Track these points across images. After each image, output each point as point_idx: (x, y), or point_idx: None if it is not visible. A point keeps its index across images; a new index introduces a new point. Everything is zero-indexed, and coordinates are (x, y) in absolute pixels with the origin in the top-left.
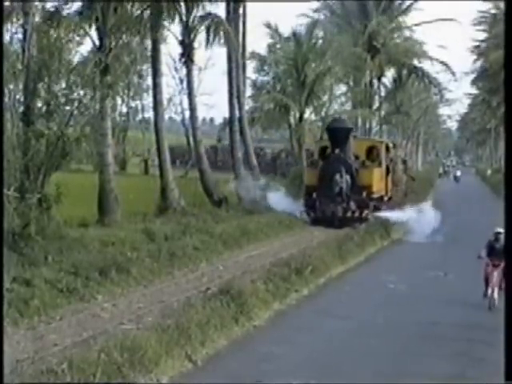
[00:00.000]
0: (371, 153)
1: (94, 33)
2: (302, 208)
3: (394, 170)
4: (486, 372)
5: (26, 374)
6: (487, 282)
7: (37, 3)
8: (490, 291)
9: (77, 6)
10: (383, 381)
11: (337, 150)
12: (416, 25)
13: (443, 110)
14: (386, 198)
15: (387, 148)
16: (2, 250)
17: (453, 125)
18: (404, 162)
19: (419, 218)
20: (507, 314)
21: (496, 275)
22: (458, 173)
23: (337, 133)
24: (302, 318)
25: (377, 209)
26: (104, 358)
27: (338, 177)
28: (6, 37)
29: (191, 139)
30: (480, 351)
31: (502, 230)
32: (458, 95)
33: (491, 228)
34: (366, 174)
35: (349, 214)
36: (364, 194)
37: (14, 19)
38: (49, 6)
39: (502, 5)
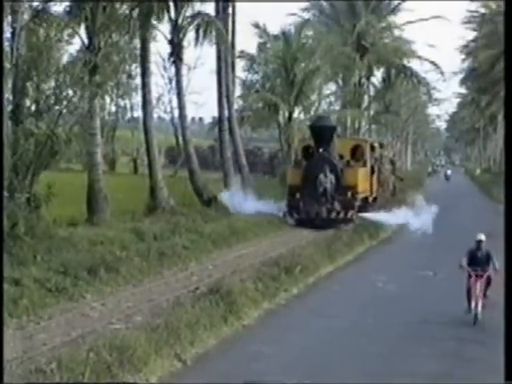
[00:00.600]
0: (356, 152)
1: (83, 32)
2: (284, 209)
3: (380, 170)
4: None
5: (14, 374)
6: (469, 294)
7: (25, 2)
8: (473, 304)
9: (66, 4)
10: (371, 379)
11: (321, 149)
12: (405, 24)
13: (432, 110)
14: (370, 199)
15: (372, 147)
16: (1, 249)
17: (442, 124)
18: (391, 161)
19: (406, 219)
20: (507, 313)
21: (479, 287)
22: (449, 172)
23: (321, 131)
24: (292, 317)
25: (362, 209)
26: (93, 358)
27: (322, 176)
28: None
29: (180, 138)
30: None
31: (483, 238)
32: (446, 95)
33: (480, 225)
34: (351, 173)
35: (333, 215)
36: (349, 194)
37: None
38: (37, 4)
39: (491, 4)
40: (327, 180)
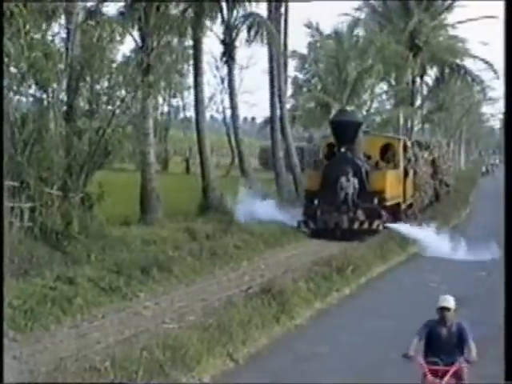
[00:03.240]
0: (386, 152)
1: (136, 33)
2: (300, 217)
3: (417, 173)
4: None
5: (69, 372)
6: None
7: (79, 3)
8: None
9: (119, 5)
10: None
11: (343, 148)
12: (459, 22)
13: (486, 109)
14: (403, 206)
15: (405, 147)
16: (2, 249)
17: (496, 123)
18: (433, 163)
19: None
20: (507, 313)
21: None
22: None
23: (343, 127)
24: (344, 317)
25: (393, 217)
26: (146, 356)
27: (344, 180)
28: (49, 36)
29: (233, 138)
30: None
31: (451, 304)
32: (501, 93)
33: None
34: (379, 177)
35: (356, 226)
36: (375, 201)
37: (58, 18)
38: (91, 5)
39: None
40: (349, 184)
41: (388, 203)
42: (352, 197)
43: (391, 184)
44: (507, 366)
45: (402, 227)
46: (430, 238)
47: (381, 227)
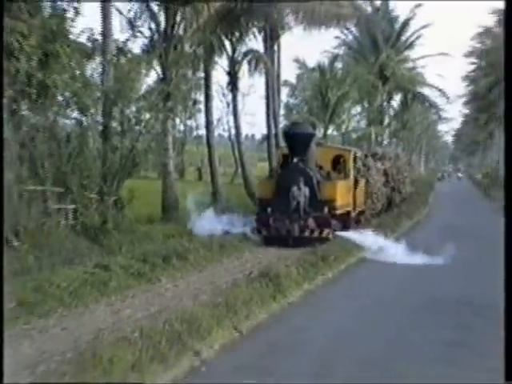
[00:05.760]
0: (338, 163)
1: (158, 67)
2: (253, 225)
3: (369, 182)
4: None
5: (106, 341)
6: None
7: (113, 43)
8: None
9: (144, 44)
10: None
11: (295, 159)
12: (418, 58)
13: (441, 127)
14: (353, 214)
15: (355, 158)
16: (2, 248)
17: (449, 138)
18: (385, 173)
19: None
20: (507, 313)
21: None
22: (460, 174)
23: (295, 139)
24: (328, 295)
25: (343, 226)
26: (167, 328)
27: (295, 189)
28: (88, 71)
29: (236, 152)
30: None
31: None
32: (453, 114)
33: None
34: (329, 187)
35: (306, 234)
36: (326, 209)
37: (95, 57)
38: (121, 44)
39: (487, 41)
40: (301, 193)
41: (338, 212)
42: (303, 205)
43: (341, 193)
44: (507, 365)
45: (351, 235)
46: (376, 243)
47: (330, 236)
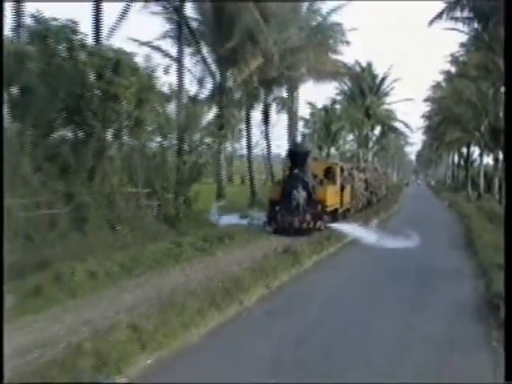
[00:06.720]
0: (328, 173)
1: (215, 108)
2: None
3: (353, 187)
4: None
5: (179, 293)
6: None
7: (185, 92)
8: None
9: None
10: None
11: (296, 170)
12: (392, 102)
13: (407, 149)
14: (340, 210)
15: (341, 169)
16: (2, 248)
17: (412, 157)
18: (365, 181)
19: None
20: (507, 313)
21: None
22: (419, 181)
23: (296, 155)
24: (332, 263)
25: (332, 218)
26: (220, 285)
27: (295, 192)
28: (168, 110)
29: (267, 165)
30: None
31: None
32: (415, 140)
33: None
34: (321, 190)
35: (304, 225)
36: (319, 207)
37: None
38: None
39: (439, 92)
40: (300, 195)
41: (328, 209)
42: (302, 204)
43: (330, 195)
44: (507, 365)
45: (338, 225)
46: (358, 232)
47: (322, 227)
